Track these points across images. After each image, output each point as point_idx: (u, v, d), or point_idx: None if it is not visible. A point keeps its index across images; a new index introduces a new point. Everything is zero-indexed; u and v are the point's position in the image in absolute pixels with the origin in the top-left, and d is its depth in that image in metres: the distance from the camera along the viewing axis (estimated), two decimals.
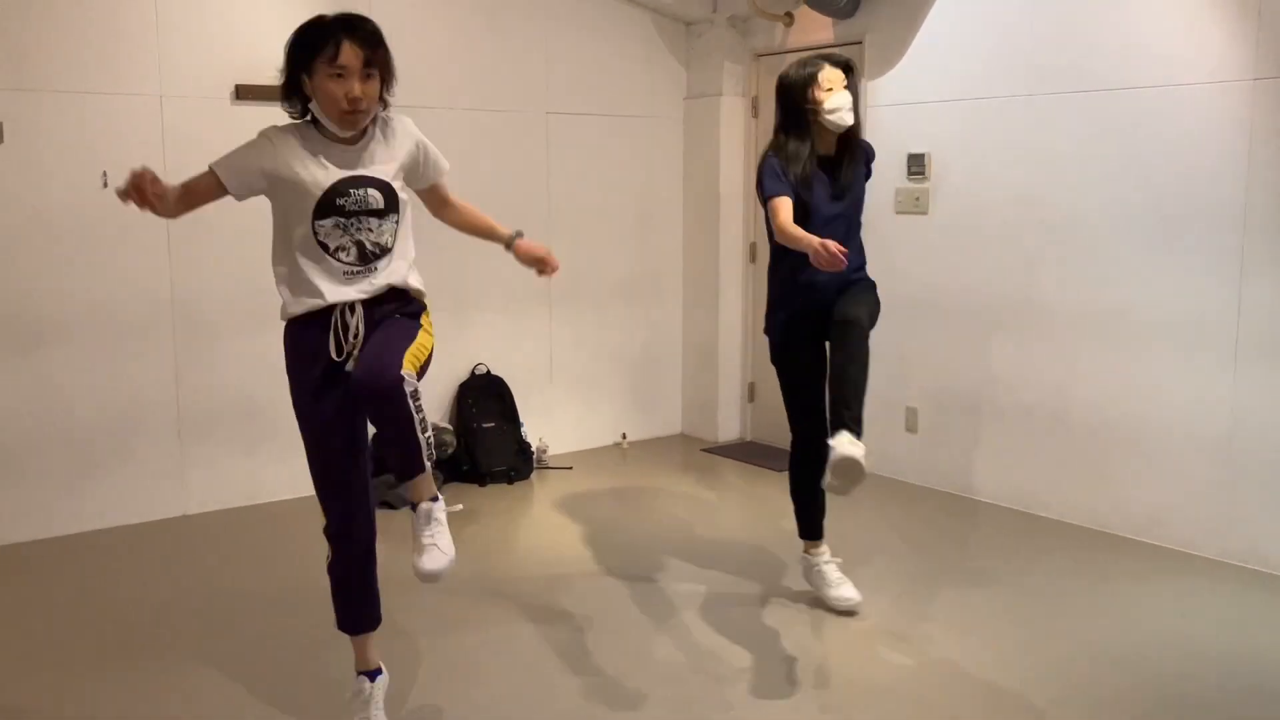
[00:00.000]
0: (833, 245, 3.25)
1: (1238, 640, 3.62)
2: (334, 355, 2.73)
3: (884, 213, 5.44)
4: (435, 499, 2.75)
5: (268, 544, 4.64)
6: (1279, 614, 3.84)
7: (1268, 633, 3.68)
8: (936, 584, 4.12)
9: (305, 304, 2.74)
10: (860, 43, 5.53)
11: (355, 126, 2.68)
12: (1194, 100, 4.31)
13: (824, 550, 3.92)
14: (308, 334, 2.77)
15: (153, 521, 4.87)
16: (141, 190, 2.53)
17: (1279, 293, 4.13)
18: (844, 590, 3.85)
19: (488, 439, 5.54)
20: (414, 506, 2.75)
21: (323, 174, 2.67)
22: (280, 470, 5.18)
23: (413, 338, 2.72)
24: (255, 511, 5.05)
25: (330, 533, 2.88)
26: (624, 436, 6.31)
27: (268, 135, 2.73)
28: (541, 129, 5.86)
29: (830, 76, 3.59)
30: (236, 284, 5.04)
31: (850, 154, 3.73)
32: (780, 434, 6.18)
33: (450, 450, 5.40)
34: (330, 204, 2.67)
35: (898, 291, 5.47)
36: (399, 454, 2.69)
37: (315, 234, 2.68)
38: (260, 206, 5.37)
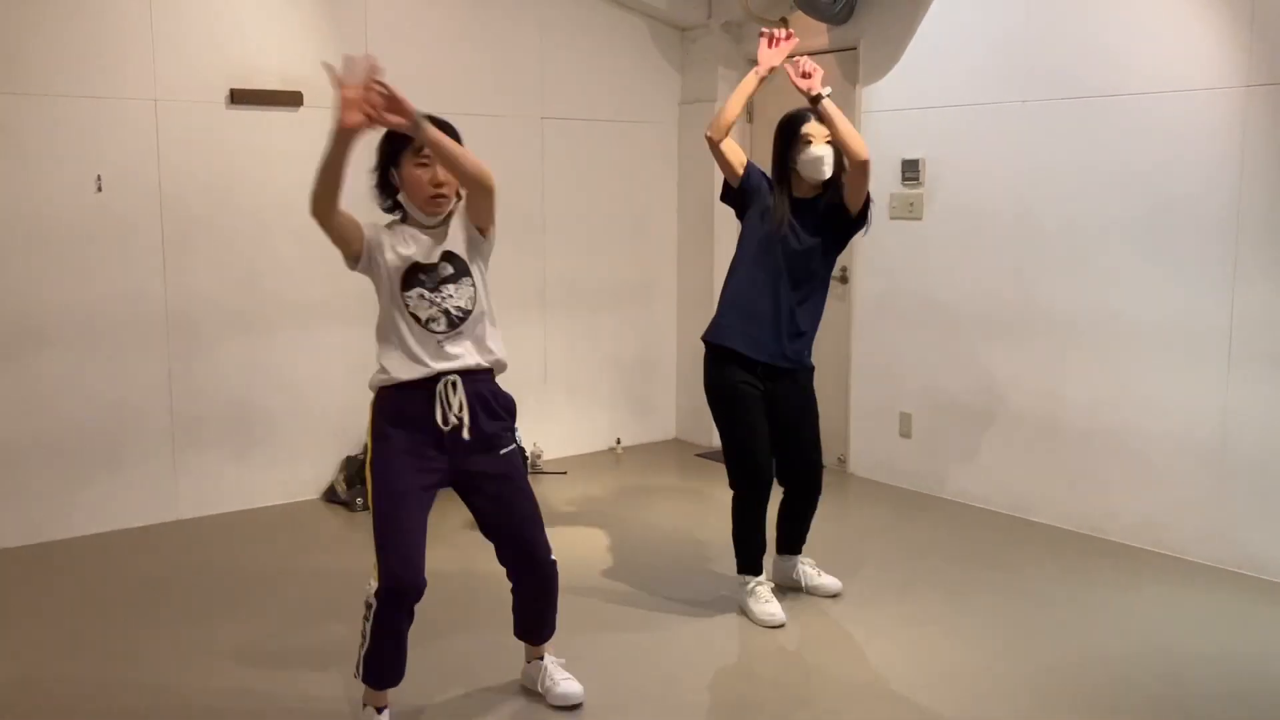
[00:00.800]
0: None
1: (1230, 645, 3.62)
2: (442, 423, 2.92)
3: (878, 218, 5.42)
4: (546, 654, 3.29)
5: (259, 549, 4.63)
6: (1269, 619, 3.85)
7: (1259, 638, 3.69)
8: (929, 589, 4.12)
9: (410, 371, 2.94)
10: (855, 48, 5.55)
11: (441, 210, 2.91)
12: (1187, 107, 4.33)
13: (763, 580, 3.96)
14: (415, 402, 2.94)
15: (145, 526, 4.86)
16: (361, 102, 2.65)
17: (1271, 300, 4.14)
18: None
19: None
20: (538, 658, 3.27)
21: (408, 255, 2.91)
22: (273, 476, 5.18)
23: (531, 491, 3.14)
24: (247, 517, 5.04)
25: (385, 589, 2.85)
26: (618, 441, 6.31)
27: (374, 224, 2.96)
28: (537, 134, 5.86)
29: (813, 130, 3.69)
30: (230, 289, 5.04)
31: (828, 197, 3.77)
32: None
33: None
34: (414, 284, 2.91)
35: (891, 297, 5.49)
36: (536, 621, 3.23)
37: (406, 306, 2.91)
38: (256, 215, 5.37)
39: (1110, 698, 3.26)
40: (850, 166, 3.69)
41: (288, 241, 5.15)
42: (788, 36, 3.80)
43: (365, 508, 5.08)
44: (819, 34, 5.70)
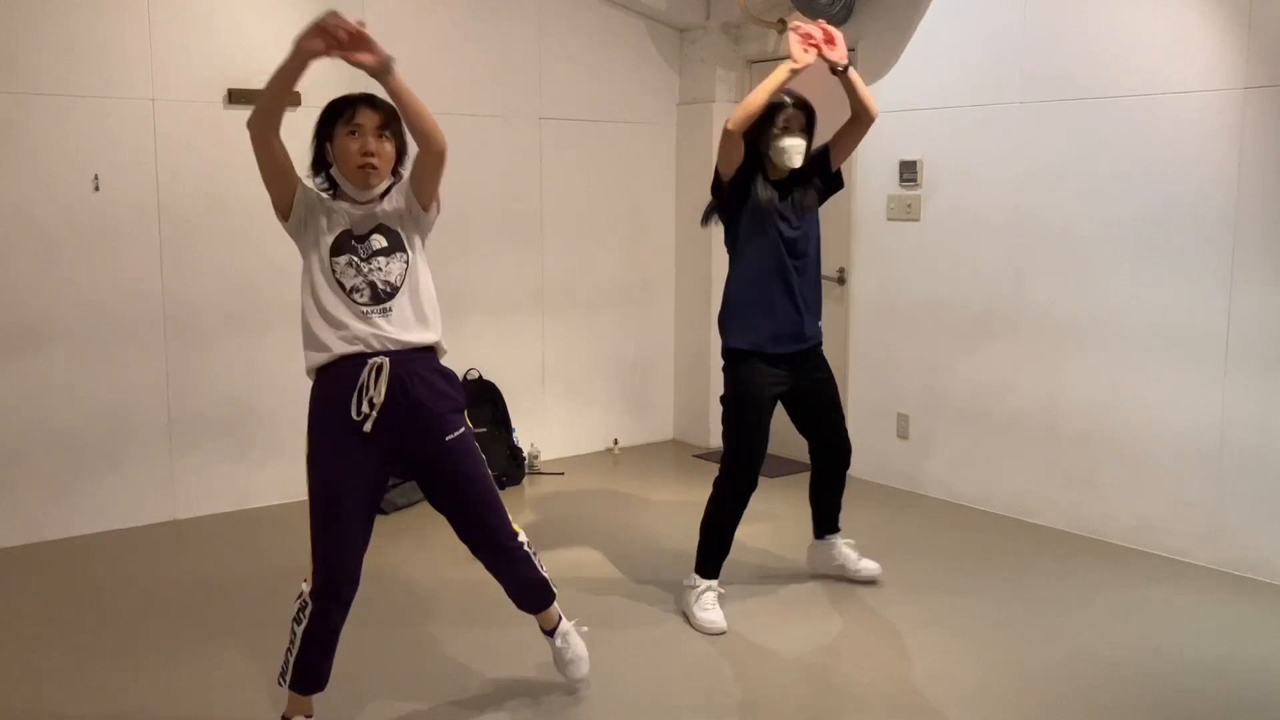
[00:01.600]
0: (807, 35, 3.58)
1: (1227, 647, 3.63)
2: (354, 414, 2.82)
3: (876, 219, 5.46)
4: (561, 618, 3.26)
5: (257, 549, 4.63)
6: (1267, 621, 3.85)
7: (1256, 640, 3.69)
8: (926, 590, 4.13)
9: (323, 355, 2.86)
10: (853, 49, 5.54)
11: (370, 183, 2.86)
12: (1185, 109, 4.33)
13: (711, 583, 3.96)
14: (335, 388, 2.87)
15: (142, 526, 4.85)
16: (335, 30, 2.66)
17: (1268, 302, 4.15)
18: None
19: (479, 444, 5.52)
20: (550, 633, 3.26)
21: (338, 222, 2.88)
22: (270, 475, 5.18)
23: (486, 469, 3.04)
24: (245, 516, 5.03)
25: (316, 590, 2.84)
26: (616, 442, 6.31)
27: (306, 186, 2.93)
28: (535, 134, 5.86)
29: (791, 118, 3.73)
30: (228, 288, 5.03)
31: (800, 180, 3.83)
32: (772, 441, 6.18)
33: None
34: (344, 252, 2.86)
35: (890, 298, 5.49)
36: (527, 598, 3.20)
37: (333, 271, 2.85)
38: (254, 214, 5.37)
39: (1107, 699, 3.26)
40: (860, 124, 3.81)
41: (285, 242, 5.11)
42: (827, 39, 3.68)
43: None
44: None
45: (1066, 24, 4.68)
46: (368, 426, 2.79)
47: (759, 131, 3.72)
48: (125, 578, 4.27)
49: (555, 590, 3.22)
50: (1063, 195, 4.75)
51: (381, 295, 2.84)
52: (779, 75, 3.61)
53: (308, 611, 2.85)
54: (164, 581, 4.24)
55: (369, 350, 2.81)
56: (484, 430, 5.58)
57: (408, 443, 2.88)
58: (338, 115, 2.85)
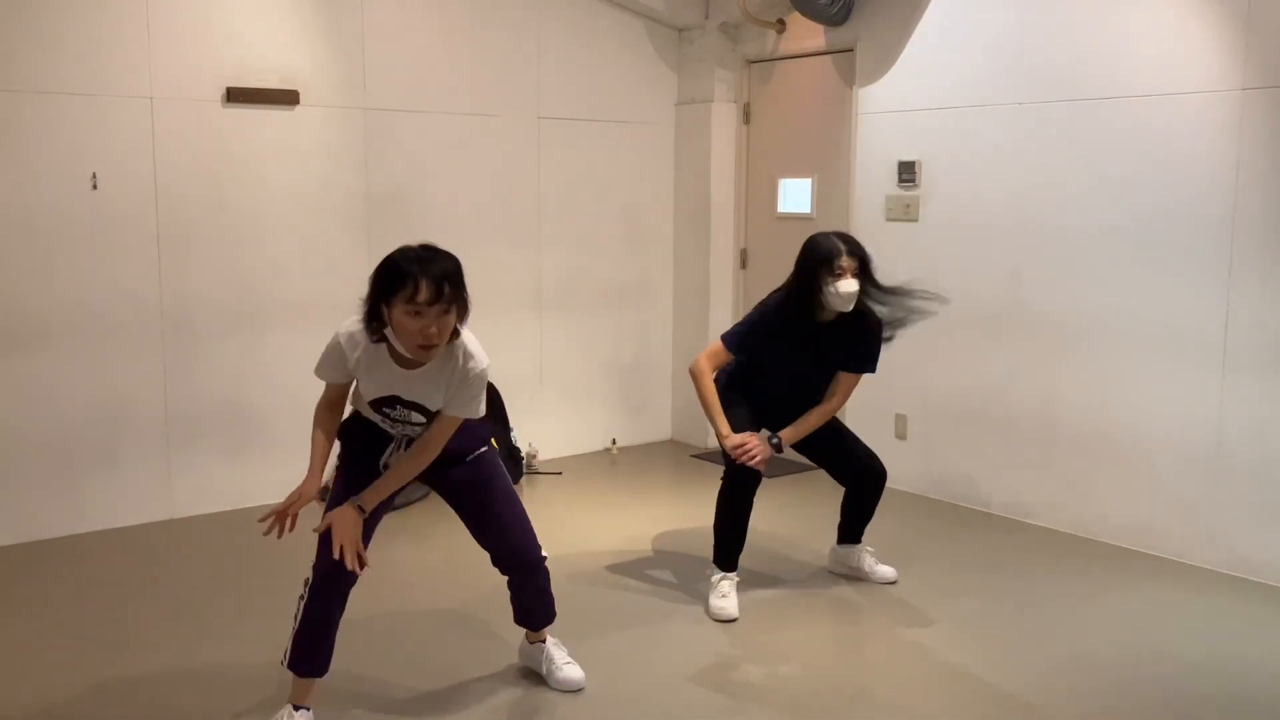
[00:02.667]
0: (744, 450, 3.83)
1: (1223, 648, 3.63)
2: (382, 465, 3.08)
3: (875, 220, 5.46)
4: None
5: (254, 549, 4.62)
6: (1263, 621, 3.85)
7: (1252, 640, 3.69)
8: (923, 591, 4.13)
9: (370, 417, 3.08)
10: (851, 50, 5.55)
11: (429, 359, 2.87)
12: (1183, 110, 4.33)
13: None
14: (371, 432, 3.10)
15: (138, 525, 4.85)
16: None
17: (1265, 303, 4.15)
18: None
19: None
20: (540, 640, 3.37)
21: (376, 387, 2.95)
22: (268, 475, 5.17)
23: (513, 490, 3.20)
24: (242, 516, 5.03)
25: (319, 572, 2.93)
26: (614, 442, 6.31)
27: (341, 341, 2.96)
28: (533, 134, 5.86)
29: (845, 265, 3.81)
30: (226, 288, 5.03)
31: (848, 329, 3.93)
32: None
33: None
34: (379, 409, 2.99)
35: None
36: (533, 612, 3.30)
37: (371, 414, 3.04)
38: (252, 214, 5.34)
39: (1103, 701, 3.26)
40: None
41: (283, 240, 5.15)
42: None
43: None
44: (816, 35, 5.70)
45: (1065, 25, 4.68)
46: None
47: (814, 274, 3.84)
48: (122, 576, 4.26)
49: (553, 616, 3.37)
50: (1061, 196, 4.75)
51: (416, 435, 3.03)
52: (722, 433, 3.92)
53: (308, 593, 2.95)
54: (161, 580, 4.23)
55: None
56: None
57: (436, 469, 3.05)
58: (398, 285, 2.76)
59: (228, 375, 5.05)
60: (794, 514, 5.07)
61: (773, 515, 5.03)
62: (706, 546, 4.31)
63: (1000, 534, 4.81)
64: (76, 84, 4.60)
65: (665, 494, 5.50)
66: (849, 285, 3.81)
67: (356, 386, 3.01)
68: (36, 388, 4.62)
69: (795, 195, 5.94)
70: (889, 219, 5.40)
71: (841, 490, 4.27)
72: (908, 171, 5.31)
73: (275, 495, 5.20)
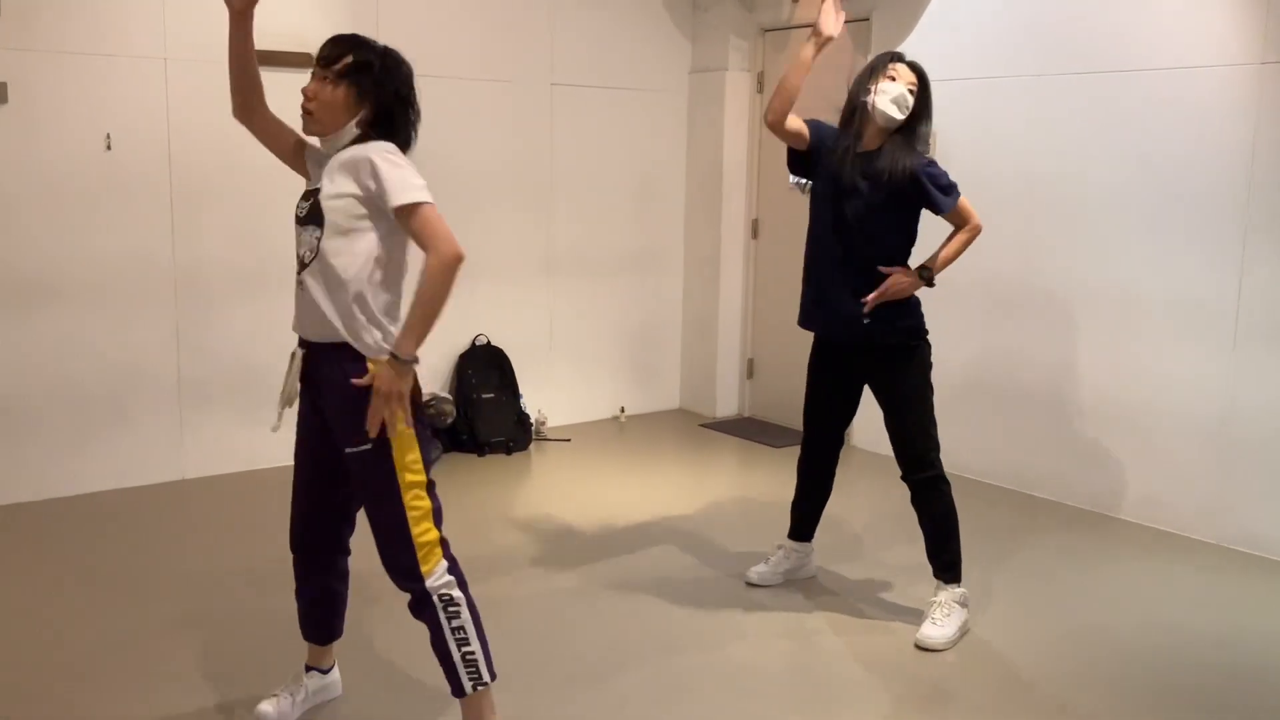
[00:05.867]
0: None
1: (1230, 623, 3.64)
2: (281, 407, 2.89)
3: None
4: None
5: (265, 510, 4.65)
6: (1270, 596, 3.87)
7: (1259, 614, 3.71)
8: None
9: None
10: (868, 19, 5.51)
11: (308, 130, 2.67)
12: (1201, 84, 4.30)
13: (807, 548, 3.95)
14: None
15: (150, 485, 4.88)
16: None
17: (1278, 278, 4.14)
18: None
19: (487, 410, 5.56)
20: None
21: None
22: (279, 437, 5.17)
23: (395, 490, 2.54)
24: (254, 477, 5.06)
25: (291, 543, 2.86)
26: (622, 410, 6.32)
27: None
28: (546, 100, 5.83)
29: (899, 70, 3.38)
30: (239, 249, 5.04)
31: (893, 150, 3.39)
32: (778, 412, 6.21)
33: (450, 420, 5.42)
34: (300, 217, 2.71)
35: None
36: (441, 664, 2.62)
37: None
38: (265, 175, 5.33)
39: (1110, 672, 3.28)
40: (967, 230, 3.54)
41: (295, 202, 5.14)
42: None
43: None
44: None
45: None
46: (278, 416, 2.77)
47: (865, 79, 3.40)
48: (131, 536, 4.30)
49: (469, 689, 2.61)
50: (1076, 168, 4.73)
51: (301, 261, 2.65)
52: (806, 53, 3.44)
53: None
54: (171, 540, 4.27)
55: (301, 336, 2.71)
56: (491, 396, 5.60)
57: (330, 434, 2.68)
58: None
59: (240, 337, 5.06)
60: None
61: (762, 492, 5.05)
62: (715, 516, 4.34)
63: (1008, 507, 4.82)
64: (91, 44, 4.59)
65: (673, 463, 5.51)
66: (896, 87, 3.32)
67: None
68: (50, 346, 4.65)
69: None
70: None
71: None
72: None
73: (286, 458, 5.22)
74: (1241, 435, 4.27)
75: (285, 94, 5.06)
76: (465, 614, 2.56)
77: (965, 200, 3.52)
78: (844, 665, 3.32)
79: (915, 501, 3.57)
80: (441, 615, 2.54)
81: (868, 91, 3.37)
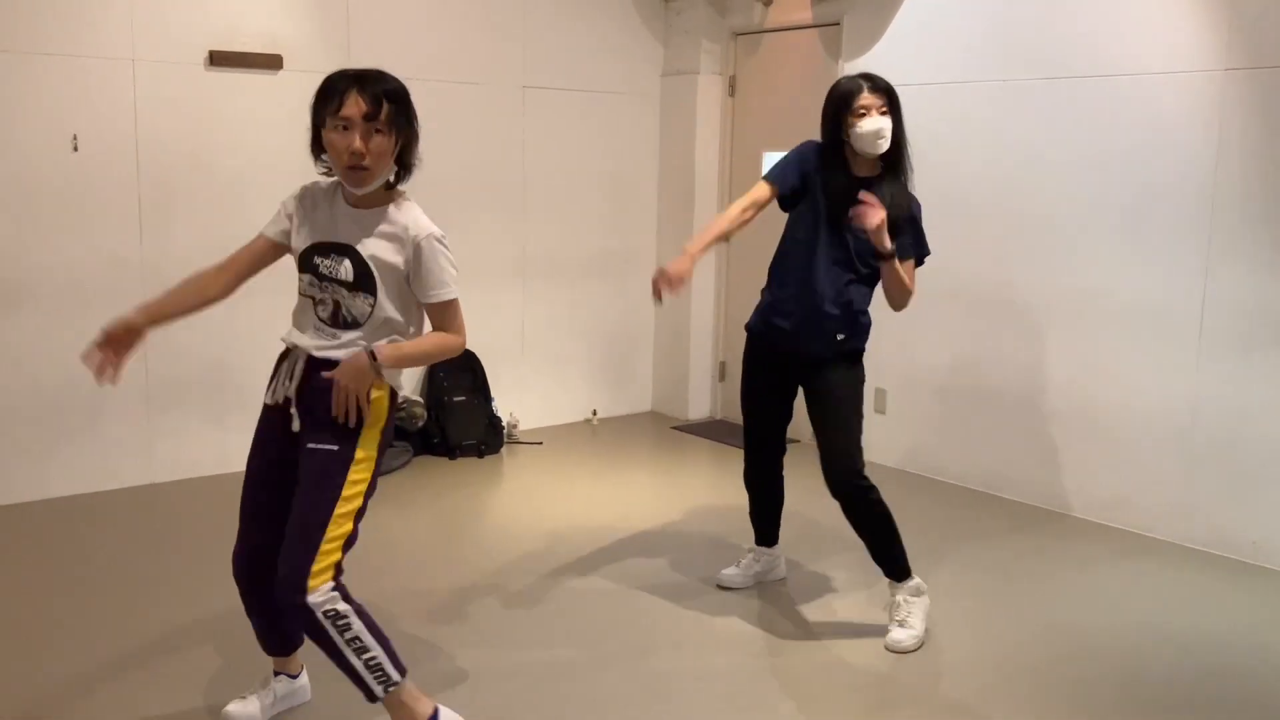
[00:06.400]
0: (662, 283, 3.37)
1: (1195, 621, 3.69)
2: (267, 398, 2.77)
3: None
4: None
5: (235, 513, 4.62)
6: (1234, 597, 3.92)
7: (1223, 615, 3.76)
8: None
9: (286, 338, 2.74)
10: (838, 24, 5.54)
11: (362, 183, 2.54)
12: (1166, 89, 4.35)
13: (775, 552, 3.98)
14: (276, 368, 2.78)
15: (120, 489, 4.84)
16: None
17: (1242, 282, 4.19)
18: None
19: (458, 412, 5.54)
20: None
21: (315, 230, 2.65)
22: (249, 439, 5.15)
23: (334, 498, 2.53)
24: (224, 481, 5.02)
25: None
26: (594, 413, 6.33)
27: (293, 194, 2.75)
28: (518, 103, 5.83)
29: (865, 102, 3.35)
30: (208, 252, 4.92)
31: (896, 181, 3.45)
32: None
33: (421, 423, 5.40)
34: (311, 263, 2.64)
35: None
36: (347, 677, 2.59)
37: (301, 284, 2.68)
38: (235, 177, 5.30)
39: (1075, 672, 3.32)
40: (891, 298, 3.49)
41: (266, 205, 5.03)
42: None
43: None
44: (803, 9, 5.69)
45: (1052, 2, 4.69)
46: (295, 424, 2.67)
47: (836, 119, 3.41)
48: (102, 540, 4.26)
49: (380, 694, 2.61)
50: (1043, 174, 4.78)
51: (345, 321, 2.61)
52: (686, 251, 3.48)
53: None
54: (142, 543, 4.23)
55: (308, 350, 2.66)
56: (463, 399, 5.58)
57: (290, 465, 2.66)
58: (326, 100, 2.51)
59: (210, 339, 5.02)
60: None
61: (734, 495, 5.06)
62: (686, 519, 4.35)
63: (977, 508, 4.86)
64: (58, 45, 4.54)
65: (645, 466, 5.52)
66: (873, 123, 3.32)
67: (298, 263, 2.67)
68: (16, 350, 4.60)
69: None
70: None
71: None
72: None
73: None
74: (1206, 437, 4.33)
75: (253, 96, 5.07)
76: (356, 622, 2.53)
77: (912, 272, 3.53)
78: (813, 667, 3.34)
79: (852, 513, 3.47)
80: (332, 631, 2.51)
81: (845, 132, 3.39)
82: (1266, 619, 3.73)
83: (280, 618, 2.77)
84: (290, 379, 2.66)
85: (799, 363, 3.55)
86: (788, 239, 3.58)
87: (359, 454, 2.59)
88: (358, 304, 2.59)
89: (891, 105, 3.38)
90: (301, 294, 2.67)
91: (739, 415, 6.27)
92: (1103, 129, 4.56)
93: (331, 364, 2.59)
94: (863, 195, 3.29)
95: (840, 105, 3.39)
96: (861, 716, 3.08)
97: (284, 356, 2.74)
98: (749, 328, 3.68)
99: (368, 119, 2.48)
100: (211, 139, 4.95)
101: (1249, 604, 3.86)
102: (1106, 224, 4.59)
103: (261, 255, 2.76)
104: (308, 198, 2.69)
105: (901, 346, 5.37)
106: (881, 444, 5.51)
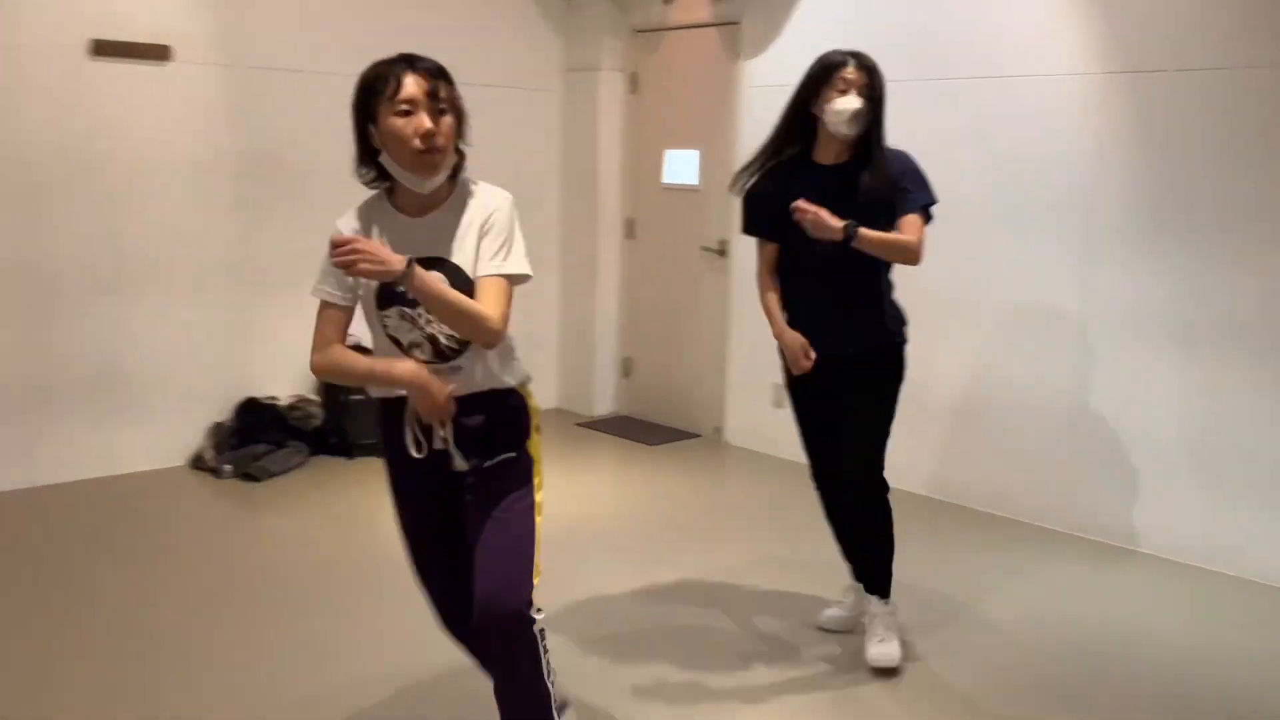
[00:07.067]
0: (804, 361, 3.14)
1: (1076, 607, 3.81)
2: (414, 452, 2.35)
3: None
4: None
5: (121, 516, 4.49)
6: (1113, 581, 4.06)
7: (1102, 599, 3.89)
8: (789, 552, 4.22)
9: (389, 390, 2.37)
10: (737, 23, 5.59)
11: (435, 169, 2.26)
12: (1050, 91, 4.49)
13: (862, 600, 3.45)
14: (395, 423, 2.39)
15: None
16: None
17: (1121, 279, 4.34)
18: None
19: (356, 411, 5.43)
20: None
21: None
22: (137, 442, 5.02)
23: (532, 530, 2.36)
24: (110, 484, 4.87)
25: (443, 624, 2.56)
26: None
27: (337, 228, 2.35)
28: None
29: (849, 77, 3.09)
30: (92, 249, 4.84)
31: (871, 164, 3.16)
32: (655, 410, 6.26)
33: (316, 423, 5.31)
34: (390, 302, 2.30)
35: None
36: (516, 711, 2.34)
37: (385, 328, 2.33)
38: (118, 170, 5.14)
39: (959, 656, 3.40)
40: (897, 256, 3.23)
41: (152, 201, 4.98)
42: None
43: (233, 475, 4.96)
44: (702, 7, 5.73)
45: (941, 5, 4.79)
46: (458, 464, 2.37)
47: (811, 92, 3.11)
48: None
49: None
50: (933, 173, 4.84)
51: (445, 353, 2.34)
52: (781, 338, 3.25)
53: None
54: (21, 550, 4.08)
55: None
56: (360, 397, 5.49)
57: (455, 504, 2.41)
58: (380, 90, 2.27)
59: (95, 339, 4.87)
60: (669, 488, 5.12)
61: (640, 491, 5.07)
62: (593, 517, 4.33)
63: None
64: None
65: (550, 462, 5.44)
66: (850, 102, 3.04)
67: (366, 312, 2.33)
68: None
69: (681, 166, 5.97)
70: None
71: None
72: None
73: (147, 463, 5.07)
74: (1087, 429, 4.47)
75: (140, 88, 4.91)
76: (549, 651, 2.36)
77: (919, 223, 3.25)
78: (713, 655, 3.36)
79: (864, 516, 3.31)
80: (540, 647, 2.31)
81: (818, 105, 3.11)
82: (1145, 603, 3.88)
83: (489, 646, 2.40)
84: (437, 428, 2.33)
85: (847, 367, 3.25)
86: (787, 271, 3.30)
87: (535, 465, 2.45)
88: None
89: (874, 88, 3.11)
90: (388, 335, 2.32)
91: (644, 411, 6.35)
92: (990, 130, 4.68)
93: (482, 395, 2.38)
94: (794, 207, 3.00)
95: (820, 76, 3.10)
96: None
97: (391, 407, 2.38)
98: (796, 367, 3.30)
99: (432, 97, 2.25)
100: (95, 133, 4.79)
101: (1128, 588, 4.01)
102: (994, 222, 4.71)
103: (345, 326, 2.35)
104: (365, 222, 2.34)
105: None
106: (778, 436, 5.55)
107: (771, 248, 3.29)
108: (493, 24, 6.00)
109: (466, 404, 2.35)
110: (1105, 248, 4.38)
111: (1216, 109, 4.04)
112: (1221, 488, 4.14)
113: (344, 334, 2.34)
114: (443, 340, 2.31)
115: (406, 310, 2.28)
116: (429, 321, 2.28)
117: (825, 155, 3.19)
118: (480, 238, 2.35)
